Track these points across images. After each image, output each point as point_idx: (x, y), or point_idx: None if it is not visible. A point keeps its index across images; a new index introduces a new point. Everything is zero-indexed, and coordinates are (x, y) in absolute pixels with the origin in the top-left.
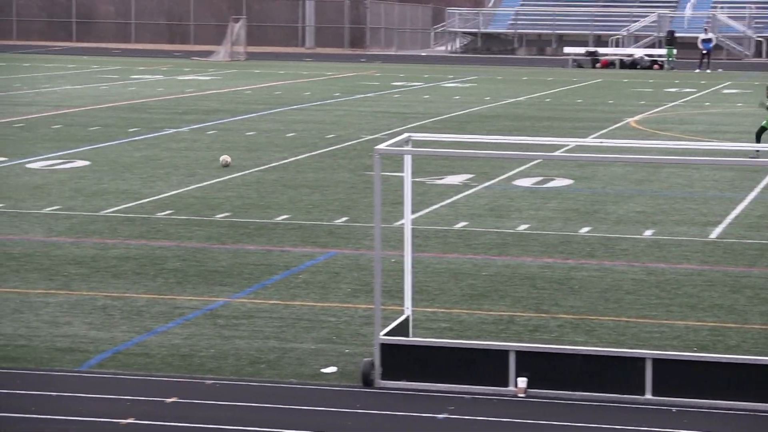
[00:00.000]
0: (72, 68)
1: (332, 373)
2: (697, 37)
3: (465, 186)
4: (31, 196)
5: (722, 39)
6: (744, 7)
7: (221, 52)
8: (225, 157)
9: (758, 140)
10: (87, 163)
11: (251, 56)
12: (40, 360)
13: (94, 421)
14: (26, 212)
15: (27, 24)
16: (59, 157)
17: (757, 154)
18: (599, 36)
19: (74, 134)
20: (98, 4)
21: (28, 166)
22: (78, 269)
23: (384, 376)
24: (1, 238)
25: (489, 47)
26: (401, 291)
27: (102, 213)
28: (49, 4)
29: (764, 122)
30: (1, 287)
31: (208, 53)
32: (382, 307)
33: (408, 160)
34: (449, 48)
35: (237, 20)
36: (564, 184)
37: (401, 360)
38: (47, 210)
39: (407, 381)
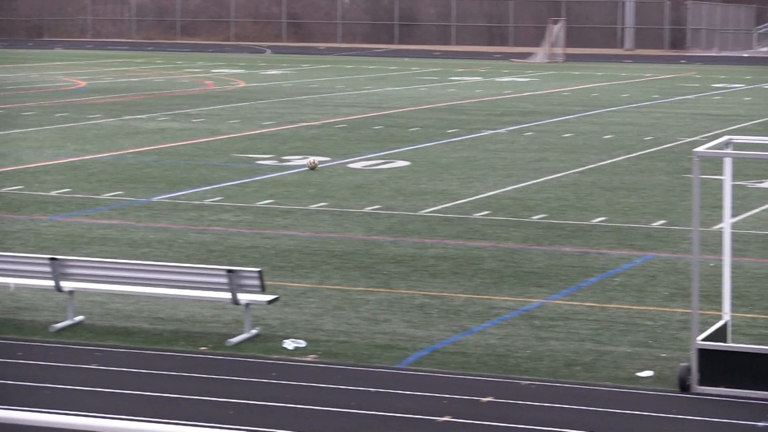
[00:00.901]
0: (393, 70)
1: (648, 377)
2: None
3: None
4: (352, 195)
5: None
6: None
7: (540, 54)
8: (313, 159)
9: None
10: (407, 163)
11: (569, 58)
12: (360, 356)
13: (412, 418)
14: (348, 211)
15: (352, 27)
16: (380, 157)
17: None
18: None
19: (394, 135)
20: (421, 7)
21: (350, 165)
22: (397, 268)
23: (701, 382)
24: (325, 236)
25: None
26: (719, 296)
27: (420, 213)
28: (373, 7)
29: None
30: (324, 284)
31: (527, 55)
32: (700, 311)
33: (728, 163)
34: None
35: (556, 22)
36: None
37: (719, 365)
38: (368, 209)
39: (725, 387)
